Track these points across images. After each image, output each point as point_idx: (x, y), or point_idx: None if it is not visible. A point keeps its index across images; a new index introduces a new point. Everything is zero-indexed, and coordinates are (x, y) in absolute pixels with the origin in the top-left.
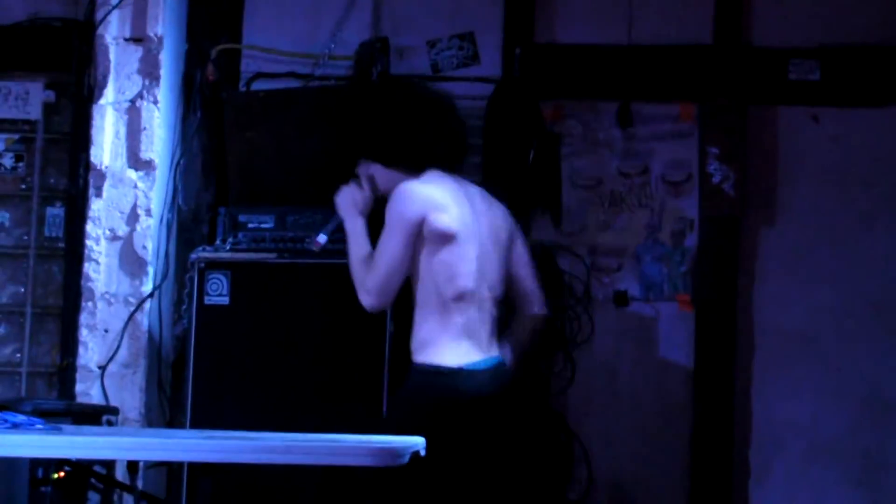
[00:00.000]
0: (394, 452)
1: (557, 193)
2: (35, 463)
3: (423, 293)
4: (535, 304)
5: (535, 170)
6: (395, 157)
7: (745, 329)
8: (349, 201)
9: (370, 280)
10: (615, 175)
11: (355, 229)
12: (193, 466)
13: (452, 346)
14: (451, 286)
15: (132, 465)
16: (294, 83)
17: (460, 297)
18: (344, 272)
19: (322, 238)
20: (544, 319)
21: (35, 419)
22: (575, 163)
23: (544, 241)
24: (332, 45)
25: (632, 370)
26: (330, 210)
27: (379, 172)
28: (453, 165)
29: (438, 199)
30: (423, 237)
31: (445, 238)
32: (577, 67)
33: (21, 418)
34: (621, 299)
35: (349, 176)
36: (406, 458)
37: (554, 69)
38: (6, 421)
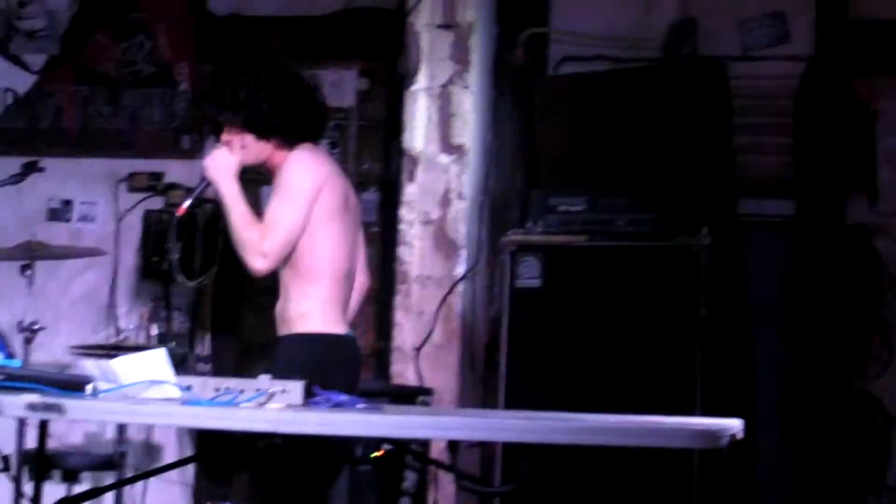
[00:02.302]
0: (714, 435)
1: (872, 172)
2: (354, 442)
3: (308, 266)
4: (365, 272)
5: (850, 149)
6: (272, 129)
7: None
8: (221, 166)
9: (269, 244)
10: None
11: (233, 192)
12: (508, 447)
13: (335, 318)
14: (335, 263)
15: (453, 445)
16: (602, 66)
17: (340, 275)
18: (653, 256)
19: (187, 203)
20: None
21: (356, 399)
22: (890, 141)
23: (859, 221)
24: (641, 28)
25: None
26: (639, 193)
27: (250, 143)
28: (319, 140)
29: (329, 173)
30: (316, 210)
31: (334, 214)
32: (892, 43)
33: (343, 398)
34: None
35: (658, 158)
36: (726, 441)
37: (867, 46)
38: (329, 400)
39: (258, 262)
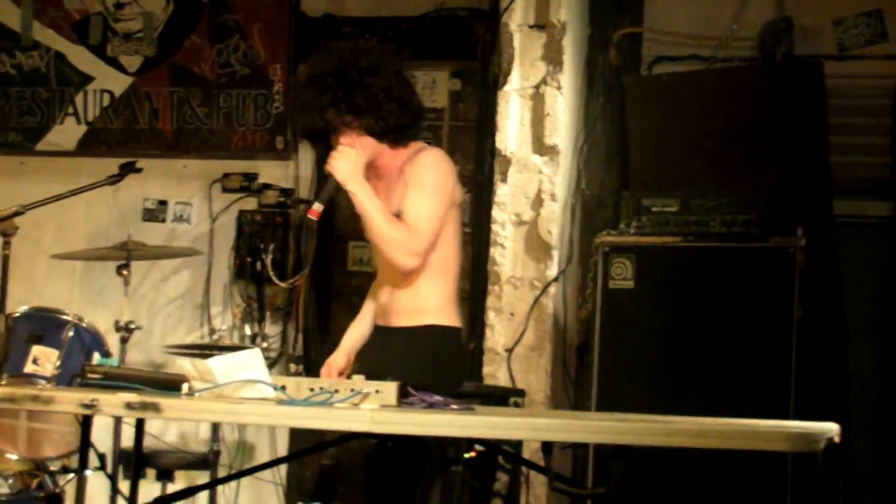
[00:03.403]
0: (810, 438)
1: None
2: (446, 443)
3: (438, 260)
4: None
5: None
6: (392, 130)
7: None
8: (350, 166)
9: (417, 243)
10: None
11: (368, 191)
12: (601, 449)
13: (458, 312)
14: (457, 259)
15: (547, 446)
16: (696, 66)
17: (459, 270)
18: (748, 257)
19: (318, 206)
20: None
21: (450, 399)
22: None
23: None
24: (735, 26)
25: None
26: (733, 194)
27: (368, 144)
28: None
29: (456, 172)
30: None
31: (456, 212)
32: None
33: (437, 398)
34: None
35: (753, 158)
36: (823, 444)
37: None
38: (423, 401)
39: (409, 259)
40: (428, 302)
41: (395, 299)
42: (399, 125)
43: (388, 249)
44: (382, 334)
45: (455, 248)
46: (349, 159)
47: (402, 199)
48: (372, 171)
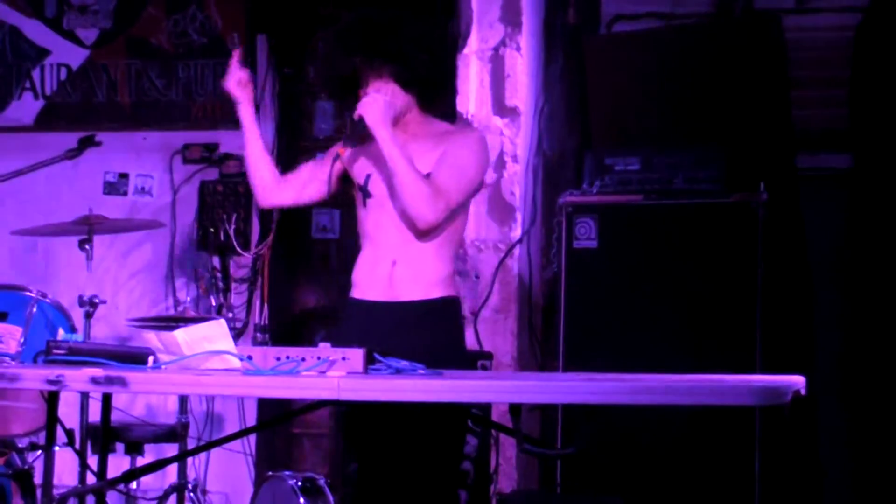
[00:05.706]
0: (776, 392)
1: None
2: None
3: (452, 234)
4: None
5: None
6: (421, 80)
7: None
8: (382, 112)
9: (441, 201)
10: None
11: (397, 140)
12: (568, 410)
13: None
14: (462, 236)
15: (514, 409)
16: (655, 23)
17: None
18: (711, 214)
19: (344, 147)
20: None
21: (417, 364)
22: None
23: None
24: None
25: None
26: (695, 150)
27: (397, 92)
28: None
29: None
30: None
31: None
32: None
33: (404, 364)
34: None
35: (713, 114)
36: (789, 397)
37: None
38: (390, 367)
39: (431, 214)
40: (439, 272)
41: (404, 270)
42: (429, 79)
43: (410, 198)
44: (388, 310)
45: (464, 225)
46: (380, 105)
47: (436, 164)
48: (400, 127)
